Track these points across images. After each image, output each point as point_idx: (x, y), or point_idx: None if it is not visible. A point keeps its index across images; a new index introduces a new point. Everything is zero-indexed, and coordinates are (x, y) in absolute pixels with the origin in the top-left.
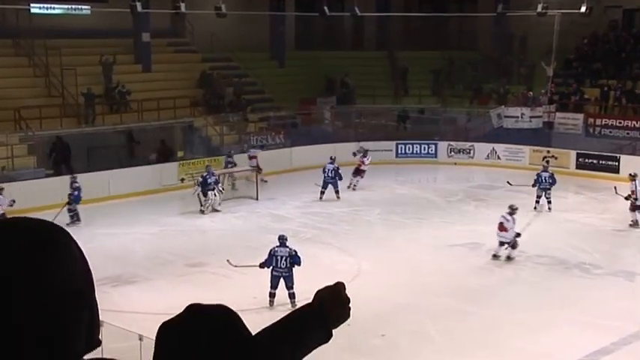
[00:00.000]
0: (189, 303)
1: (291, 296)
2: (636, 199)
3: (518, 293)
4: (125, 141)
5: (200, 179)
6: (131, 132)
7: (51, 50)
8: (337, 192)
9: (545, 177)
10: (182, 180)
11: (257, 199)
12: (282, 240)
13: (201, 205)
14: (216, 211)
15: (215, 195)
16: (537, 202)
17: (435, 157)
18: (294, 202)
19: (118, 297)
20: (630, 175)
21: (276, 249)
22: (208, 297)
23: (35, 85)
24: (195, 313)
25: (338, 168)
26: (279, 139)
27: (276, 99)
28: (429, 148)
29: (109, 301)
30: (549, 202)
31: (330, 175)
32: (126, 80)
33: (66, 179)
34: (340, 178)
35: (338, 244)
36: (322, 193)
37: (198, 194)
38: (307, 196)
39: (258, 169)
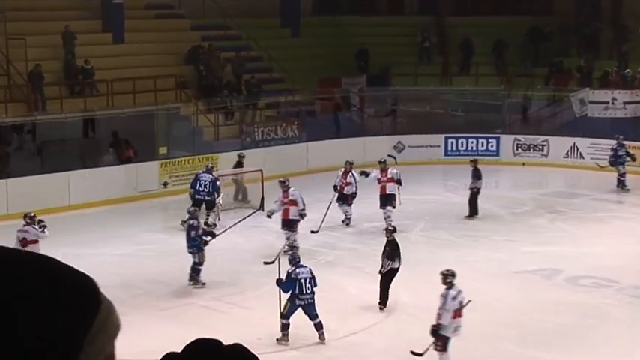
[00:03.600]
0: (196, 338)
1: (319, 327)
2: None
3: (607, 335)
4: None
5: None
6: (93, 121)
7: None
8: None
9: None
10: (165, 185)
11: (262, 209)
12: (296, 259)
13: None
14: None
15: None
16: None
17: (497, 155)
18: (310, 214)
19: None
20: None
21: (296, 270)
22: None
23: None
24: (204, 350)
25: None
26: (292, 132)
27: (288, 79)
28: (488, 143)
29: None
30: None
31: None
32: (91, 54)
33: (11, 183)
34: (400, 184)
35: (368, 269)
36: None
37: (218, 203)
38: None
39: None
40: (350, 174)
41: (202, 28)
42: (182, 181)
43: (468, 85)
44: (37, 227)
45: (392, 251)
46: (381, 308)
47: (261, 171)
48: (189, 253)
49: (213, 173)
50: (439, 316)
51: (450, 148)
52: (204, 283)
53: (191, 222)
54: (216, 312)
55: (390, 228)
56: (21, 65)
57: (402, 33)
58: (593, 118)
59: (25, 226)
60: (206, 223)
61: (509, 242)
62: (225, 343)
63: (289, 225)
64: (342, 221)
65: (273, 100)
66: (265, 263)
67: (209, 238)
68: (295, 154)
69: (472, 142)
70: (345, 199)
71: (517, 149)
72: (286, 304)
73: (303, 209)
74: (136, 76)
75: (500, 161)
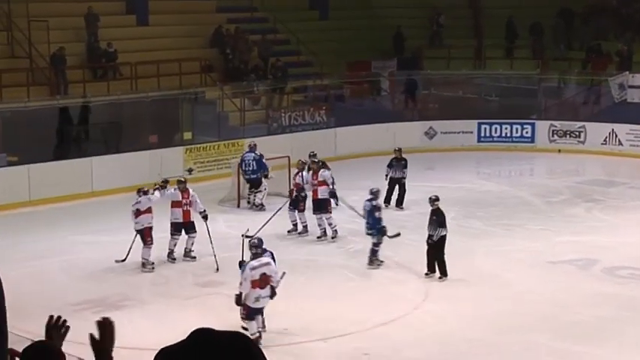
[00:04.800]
0: (195, 328)
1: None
2: None
3: None
4: (114, 118)
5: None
6: (122, 107)
7: None
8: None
9: None
10: (190, 171)
11: (291, 197)
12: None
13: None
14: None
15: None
16: None
17: (532, 141)
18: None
19: None
20: None
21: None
22: (224, 327)
23: None
24: (202, 340)
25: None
26: (320, 117)
27: (316, 63)
28: (523, 129)
29: (90, 332)
30: None
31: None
32: (114, 37)
33: (33, 169)
34: (334, 196)
35: (398, 259)
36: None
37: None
38: (357, 193)
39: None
40: (300, 174)
41: (228, 10)
42: (207, 167)
43: (502, 68)
44: (148, 195)
45: (439, 219)
46: (427, 274)
47: (288, 157)
48: (369, 234)
49: (257, 151)
50: (239, 285)
51: (483, 134)
52: (382, 261)
53: (375, 202)
54: None
55: (432, 197)
56: (43, 48)
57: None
58: (633, 103)
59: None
60: (252, 203)
61: (544, 232)
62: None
63: (320, 206)
64: (289, 231)
65: (300, 85)
66: (247, 237)
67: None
68: (323, 140)
69: (506, 128)
70: (297, 204)
71: (553, 135)
72: None
73: (334, 189)
74: (160, 60)
75: (536, 148)
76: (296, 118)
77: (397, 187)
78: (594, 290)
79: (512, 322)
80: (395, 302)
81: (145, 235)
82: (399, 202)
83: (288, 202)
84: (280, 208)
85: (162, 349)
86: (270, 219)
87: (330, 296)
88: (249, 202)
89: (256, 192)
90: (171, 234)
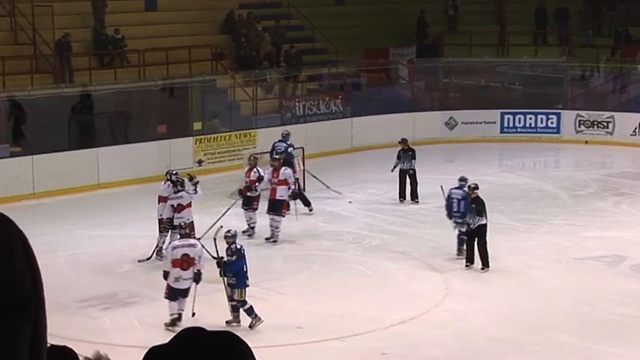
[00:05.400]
0: (185, 327)
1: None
2: None
3: None
4: (121, 107)
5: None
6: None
7: None
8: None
9: None
10: (200, 162)
11: (303, 189)
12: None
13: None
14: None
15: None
16: None
17: (558, 132)
18: (356, 195)
19: (110, 324)
20: None
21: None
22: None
23: None
24: (191, 340)
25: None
26: (336, 107)
27: (331, 50)
28: (548, 119)
29: (97, 330)
30: None
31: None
32: (122, 22)
33: (37, 159)
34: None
35: (417, 254)
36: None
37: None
38: (374, 186)
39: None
40: (254, 170)
41: None
42: (218, 158)
43: (527, 56)
44: (190, 190)
45: (478, 207)
46: (483, 269)
47: (302, 148)
48: (458, 223)
49: (288, 141)
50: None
51: (506, 125)
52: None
53: (467, 189)
54: (251, 299)
55: (471, 185)
56: (47, 34)
57: None
58: None
59: (175, 192)
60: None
61: (570, 227)
62: (259, 332)
63: (276, 207)
64: (244, 231)
65: (315, 73)
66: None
67: None
68: (339, 131)
69: (530, 118)
70: (250, 203)
71: (580, 126)
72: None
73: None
74: (169, 46)
75: (561, 139)
76: (310, 108)
77: (407, 179)
78: (622, 288)
79: (536, 321)
80: (414, 299)
81: (191, 229)
82: (414, 195)
83: (241, 201)
84: (229, 208)
85: (151, 349)
86: (219, 218)
87: (345, 293)
88: None
89: None
90: (161, 231)
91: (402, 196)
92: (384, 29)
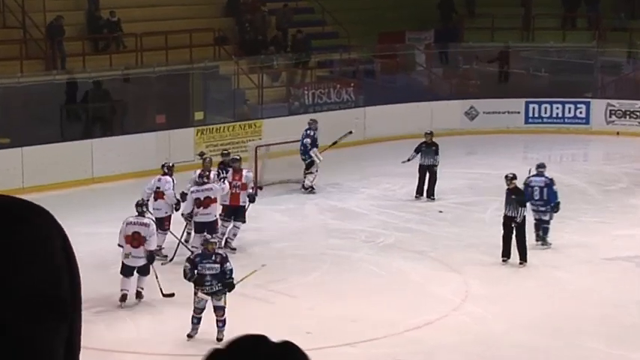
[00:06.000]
0: (240, 335)
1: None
2: None
3: None
4: (116, 96)
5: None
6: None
7: None
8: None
9: None
10: (201, 155)
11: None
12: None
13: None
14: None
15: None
16: None
17: (587, 123)
18: (369, 190)
19: (105, 329)
20: None
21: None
22: (235, 330)
23: None
24: (252, 347)
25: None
26: (347, 95)
27: (342, 34)
28: (576, 109)
29: (92, 335)
30: None
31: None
32: (118, 4)
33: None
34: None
35: (434, 254)
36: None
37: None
38: (389, 180)
39: None
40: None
41: None
42: (221, 150)
43: (553, 40)
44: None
45: (518, 198)
46: (521, 264)
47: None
48: (541, 211)
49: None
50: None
51: (531, 115)
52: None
53: (548, 175)
54: (258, 301)
55: (509, 175)
56: (38, 17)
57: None
58: None
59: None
60: (301, 185)
61: (599, 224)
62: (271, 337)
63: (238, 213)
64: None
65: (325, 58)
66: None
67: None
68: (351, 120)
69: (557, 108)
70: (238, 212)
71: (610, 116)
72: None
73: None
74: (168, 30)
75: (591, 130)
76: (320, 96)
77: (428, 175)
78: None
79: (563, 325)
80: (430, 302)
81: (215, 226)
82: (430, 192)
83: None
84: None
85: (213, 351)
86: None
87: (357, 295)
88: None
89: (307, 173)
90: (164, 230)
91: (419, 192)
92: (400, 12)
